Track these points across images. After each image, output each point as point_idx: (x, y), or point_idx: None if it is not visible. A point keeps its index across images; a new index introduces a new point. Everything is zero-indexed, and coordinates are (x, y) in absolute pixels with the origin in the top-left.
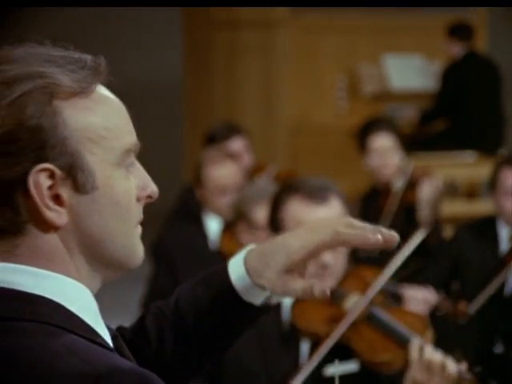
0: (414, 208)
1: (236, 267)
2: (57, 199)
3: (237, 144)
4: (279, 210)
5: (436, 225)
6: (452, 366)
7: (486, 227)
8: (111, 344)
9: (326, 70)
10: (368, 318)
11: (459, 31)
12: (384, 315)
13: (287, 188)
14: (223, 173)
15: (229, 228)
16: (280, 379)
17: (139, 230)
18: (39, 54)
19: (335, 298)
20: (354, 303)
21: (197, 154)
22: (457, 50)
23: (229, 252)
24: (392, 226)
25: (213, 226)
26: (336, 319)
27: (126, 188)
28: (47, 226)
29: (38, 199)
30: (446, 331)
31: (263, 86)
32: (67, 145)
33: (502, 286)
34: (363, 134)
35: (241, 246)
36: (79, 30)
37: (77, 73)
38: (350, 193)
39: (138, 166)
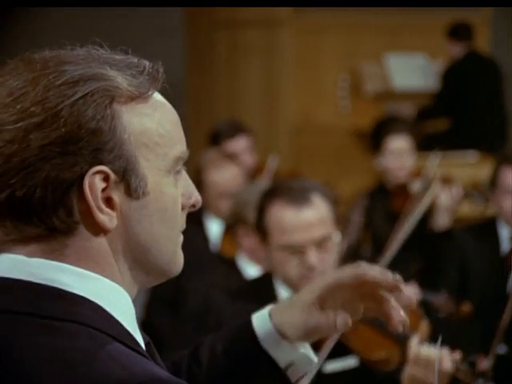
0: (428, 212)
1: (260, 314)
2: (108, 202)
3: (241, 143)
4: (263, 215)
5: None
6: (448, 360)
7: (486, 228)
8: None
9: (328, 69)
10: (362, 317)
11: (459, 32)
12: None
13: (269, 192)
14: (224, 177)
15: (230, 230)
16: None
17: (181, 238)
18: (100, 56)
19: None
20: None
21: (199, 153)
22: (457, 50)
23: (229, 254)
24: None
25: (214, 228)
26: None
27: (174, 196)
28: (97, 229)
29: (91, 201)
30: (448, 332)
31: (265, 85)
32: (124, 149)
33: (505, 285)
34: (379, 133)
35: (241, 248)
36: (79, 30)
37: (136, 77)
38: (352, 192)
39: (184, 174)
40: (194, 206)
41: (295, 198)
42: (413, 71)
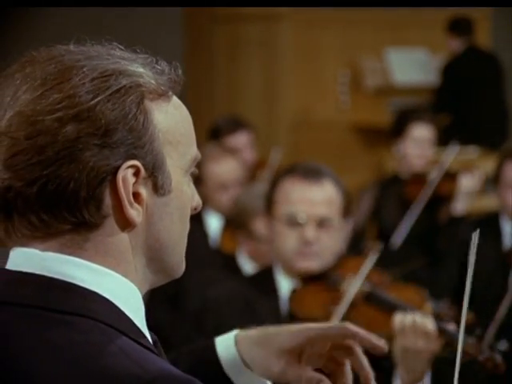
0: (442, 199)
1: (224, 338)
2: (136, 197)
3: (241, 139)
4: (275, 187)
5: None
6: (431, 325)
7: (489, 223)
8: None
9: (329, 64)
10: (366, 297)
11: (459, 26)
12: (381, 292)
13: (284, 170)
14: (223, 169)
15: (229, 226)
16: None
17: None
18: (124, 53)
19: (331, 282)
20: (349, 284)
21: (198, 148)
22: (457, 45)
23: (229, 250)
24: (421, 215)
25: (213, 223)
26: (334, 303)
27: (189, 196)
28: (124, 224)
29: (123, 195)
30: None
31: (265, 80)
32: (154, 145)
33: (507, 280)
34: (403, 120)
35: (242, 250)
36: (79, 29)
37: (160, 76)
38: (352, 187)
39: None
40: (195, 208)
41: (308, 176)
42: (413, 66)
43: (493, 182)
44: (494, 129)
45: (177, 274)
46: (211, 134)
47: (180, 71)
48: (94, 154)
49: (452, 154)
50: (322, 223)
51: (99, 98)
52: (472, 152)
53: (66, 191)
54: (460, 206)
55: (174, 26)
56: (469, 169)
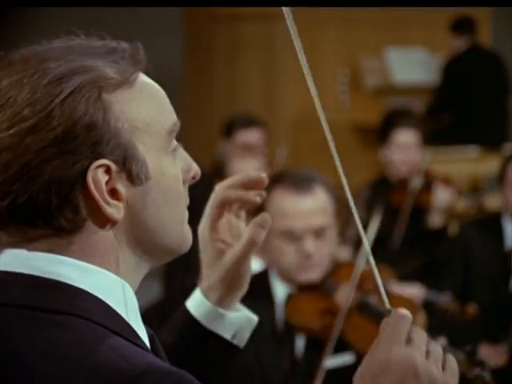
0: (424, 210)
1: (193, 298)
2: (114, 194)
3: (253, 136)
4: (265, 200)
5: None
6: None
7: (490, 223)
8: (148, 345)
9: (328, 63)
10: (358, 307)
11: (461, 25)
12: (373, 302)
13: (273, 178)
14: (247, 166)
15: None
16: (276, 377)
17: (187, 214)
18: (79, 46)
19: (326, 290)
20: (343, 293)
21: (197, 147)
22: (459, 44)
23: None
24: (408, 226)
25: None
26: (329, 312)
27: (174, 174)
28: (105, 222)
29: (97, 196)
30: (451, 329)
31: (264, 79)
32: (120, 138)
33: (508, 280)
34: (388, 125)
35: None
36: (78, 30)
37: (118, 63)
38: (351, 187)
39: (181, 149)
40: (193, 177)
41: (298, 185)
42: (413, 65)
43: (496, 182)
44: (494, 128)
45: (181, 251)
46: (225, 129)
47: (141, 48)
48: (57, 162)
49: (427, 158)
50: (319, 233)
51: (53, 105)
52: (472, 152)
53: (36, 203)
54: (436, 219)
55: (174, 25)
56: (445, 182)
